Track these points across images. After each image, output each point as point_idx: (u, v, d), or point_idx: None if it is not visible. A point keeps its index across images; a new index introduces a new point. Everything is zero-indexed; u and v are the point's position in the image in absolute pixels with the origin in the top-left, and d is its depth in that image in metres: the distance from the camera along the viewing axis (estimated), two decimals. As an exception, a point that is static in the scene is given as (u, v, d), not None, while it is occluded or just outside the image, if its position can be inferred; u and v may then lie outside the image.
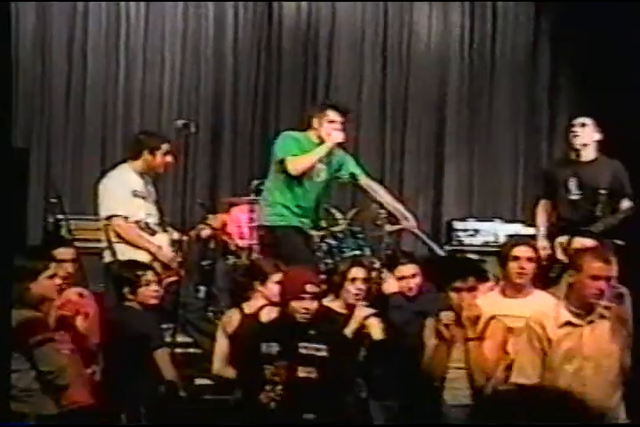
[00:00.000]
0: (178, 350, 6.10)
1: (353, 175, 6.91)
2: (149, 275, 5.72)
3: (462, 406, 5.01)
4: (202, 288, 7.46)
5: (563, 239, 6.68)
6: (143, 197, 6.55)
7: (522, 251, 5.43)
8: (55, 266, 5.03)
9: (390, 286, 6.21)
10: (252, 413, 4.99)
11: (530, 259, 5.43)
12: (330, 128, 6.67)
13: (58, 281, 4.99)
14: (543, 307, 5.10)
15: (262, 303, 5.73)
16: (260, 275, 5.84)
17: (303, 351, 5.00)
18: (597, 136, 6.86)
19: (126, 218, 6.43)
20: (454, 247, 8.75)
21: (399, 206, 6.85)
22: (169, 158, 6.67)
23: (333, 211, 7.51)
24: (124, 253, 6.36)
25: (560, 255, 6.63)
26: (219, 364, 5.75)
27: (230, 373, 5.59)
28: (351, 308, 5.66)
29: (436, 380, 5.12)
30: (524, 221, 8.87)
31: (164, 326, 6.05)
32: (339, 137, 6.66)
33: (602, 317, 4.86)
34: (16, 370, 4.57)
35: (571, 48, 9.83)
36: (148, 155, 6.59)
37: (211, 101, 9.48)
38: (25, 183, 8.03)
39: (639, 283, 5.92)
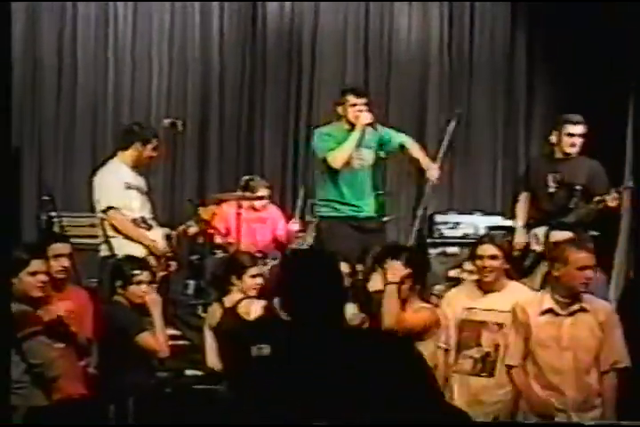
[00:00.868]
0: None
1: (401, 145, 7.03)
2: (143, 275, 5.62)
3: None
4: (191, 282, 7.59)
5: (538, 230, 6.93)
6: (137, 189, 6.56)
7: (483, 249, 5.42)
8: (39, 263, 4.97)
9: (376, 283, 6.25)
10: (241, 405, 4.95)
11: (493, 257, 5.39)
12: (355, 111, 6.79)
13: (41, 278, 4.93)
14: (518, 299, 5.21)
15: (239, 297, 5.77)
16: (237, 269, 5.87)
17: None
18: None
19: (121, 210, 6.44)
20: (435, 240, 8.92)
21: (428, 162, 6.97)
22: (155, 153, 6.69)
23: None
24: (121, 247, 6.38)
25: (534, 245, 6.86)
26: (210, 357, 5.83)
27: (221, 365, 5.66)
28: None
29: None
30: (504, 214, 9.10)
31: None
32: (366, 118, 6.76)
33: (583, 310, 4.99)
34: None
35: (547, 47, 9.96)
36: (140, 146, 6.59)
37: (198, 100, 9.60)
38: (17, 182, 8.14)
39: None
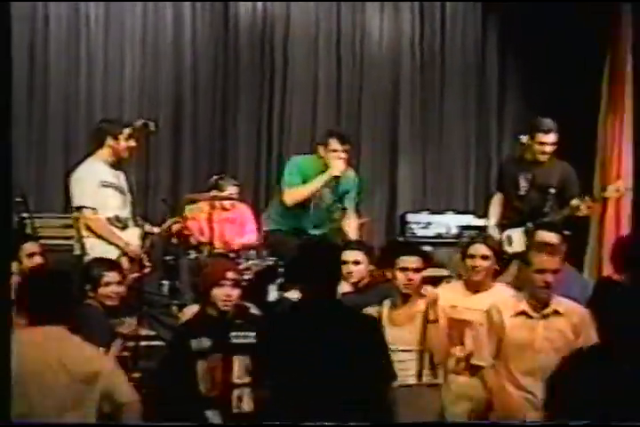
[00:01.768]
0: (142, 343, 6.08)
1: (344, 209, 7.07)
2: (110, 276, 5.60)
3: (407, 386, 5.07)
4: (165, 283, 7.59)
5: (511, 232, 7.01)
6: (114, 187, 6.55)
7: (476, 249, 5.54)
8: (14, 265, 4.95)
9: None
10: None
11: (484, 257, 5.52)
12: (334, 157, 6.83)
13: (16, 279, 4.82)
14: (502, 298, 5.28)
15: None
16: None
17: (235, 341, 4.93)
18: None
19: (95, 210, 6.42)
20: (408, 239, 8.97)
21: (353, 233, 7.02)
22: (132, 142, 6.67)
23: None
24: (93, 247, 6.38)
25: (506, 247, 6.94)
26: None
27: None
28: None
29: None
30: (475, 213, 9.18)
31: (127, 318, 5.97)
32: (337, 169, 6.82)
33: (557, 313, 5.03)
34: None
35: (518, 46, 10.05)
36: (112, 140, 6.58)
37: (171, 99, 9.59)
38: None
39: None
